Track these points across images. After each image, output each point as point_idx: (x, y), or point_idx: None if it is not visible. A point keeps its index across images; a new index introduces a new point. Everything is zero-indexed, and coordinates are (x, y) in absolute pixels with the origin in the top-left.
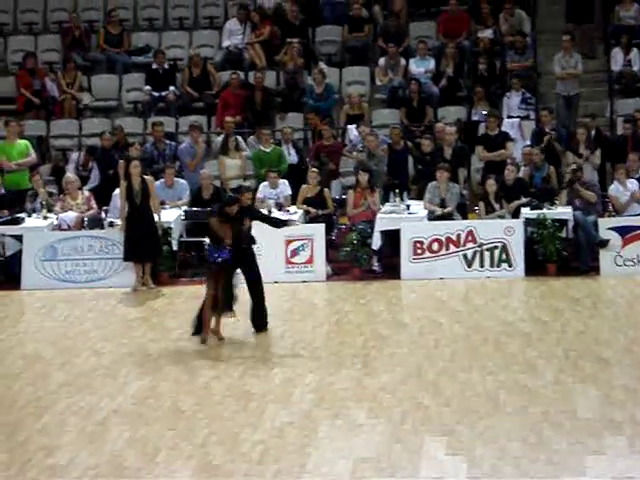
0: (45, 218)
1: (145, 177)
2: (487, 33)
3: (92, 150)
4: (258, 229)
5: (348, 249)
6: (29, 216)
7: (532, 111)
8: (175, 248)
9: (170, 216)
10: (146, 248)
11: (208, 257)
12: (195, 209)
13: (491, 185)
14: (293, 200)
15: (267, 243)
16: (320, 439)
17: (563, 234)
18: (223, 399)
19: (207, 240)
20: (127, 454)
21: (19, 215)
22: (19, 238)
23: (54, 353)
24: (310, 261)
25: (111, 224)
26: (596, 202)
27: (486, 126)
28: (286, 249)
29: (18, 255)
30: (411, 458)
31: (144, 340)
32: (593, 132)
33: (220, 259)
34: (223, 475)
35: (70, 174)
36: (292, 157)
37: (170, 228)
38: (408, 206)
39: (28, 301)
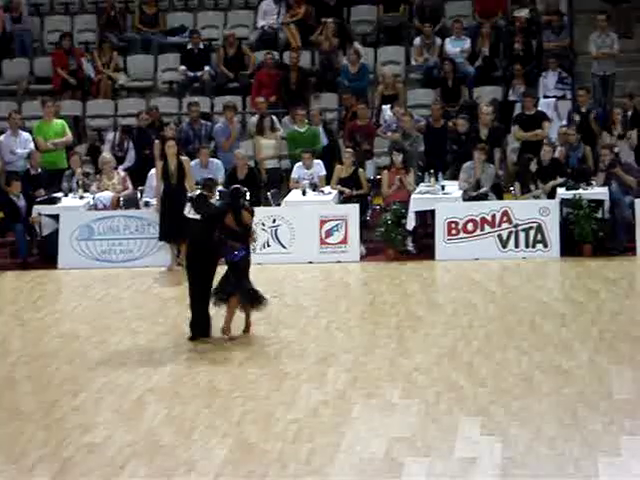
0: (81, 198)
1: (181, 157)
2: (523, 12)
3: (127, 130)
4: (292, 209)
5: (382, 229)
6: (65, 196)
7: (568, 91)
8: None
9: None
10: (181, 228)
11: (237, 255)
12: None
13: (533, 165)
14: (327, 180)
15: (301, 223)
16: (354, 418)
17: (599, 214)
18: (258, 378)
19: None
20: (163, 432)
21: (56, 195)
22: (56, 218)
23: (90, 332)
24: (344, 241)
25: (147, 204)
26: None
27: (523, 106)
28: (320, 229)
29: (55, 234)
30: (445, 438)
31: (179, 319)
32: (630, 112)
33: (244, 254)
34: (258, 453)
35: (106, 154)
36: (322, 139)
37: None
38: (443, 186)
39: (64, 280)
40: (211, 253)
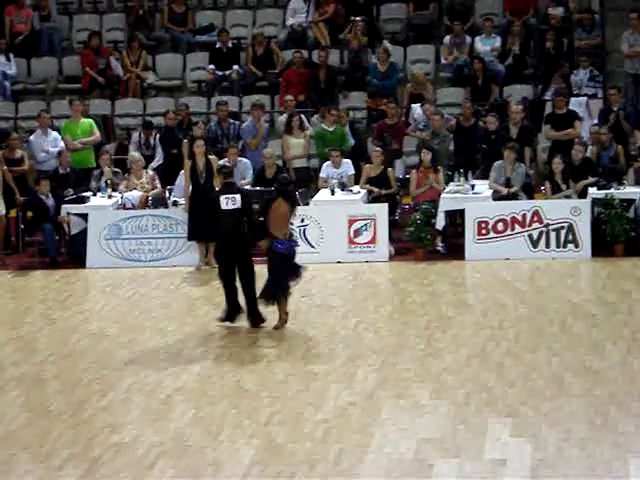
0: (110, 197)
1: (209, 156)
2: (559, 10)
3: (150, 126)
4: (320, 208)
5: (412, 229)
6: (94, 195)
7: (600, 89)
8: None
9: None
10: (210, 227)
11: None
12: (258, 188)
13: (557, 164)
14: (356, 180)
15: (330, 223)
16: (383, 419)
17: (631, 214)
18: (286, 378)
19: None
20: (191, 432)
21: (84, 194)
22: (84, 217)
23: (119, 331)
24: (373, 241)
25: (175, 203)
26: None
27: (554, 105)
28: (349, 229)
29: (83, 234)
30: (475, 439)
31: (207, 319)
32: None
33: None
34: (286, 454)
35: (135, 153)
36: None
37: None
38: (473, 186)
39: (93, 279)
40: (243, 245)
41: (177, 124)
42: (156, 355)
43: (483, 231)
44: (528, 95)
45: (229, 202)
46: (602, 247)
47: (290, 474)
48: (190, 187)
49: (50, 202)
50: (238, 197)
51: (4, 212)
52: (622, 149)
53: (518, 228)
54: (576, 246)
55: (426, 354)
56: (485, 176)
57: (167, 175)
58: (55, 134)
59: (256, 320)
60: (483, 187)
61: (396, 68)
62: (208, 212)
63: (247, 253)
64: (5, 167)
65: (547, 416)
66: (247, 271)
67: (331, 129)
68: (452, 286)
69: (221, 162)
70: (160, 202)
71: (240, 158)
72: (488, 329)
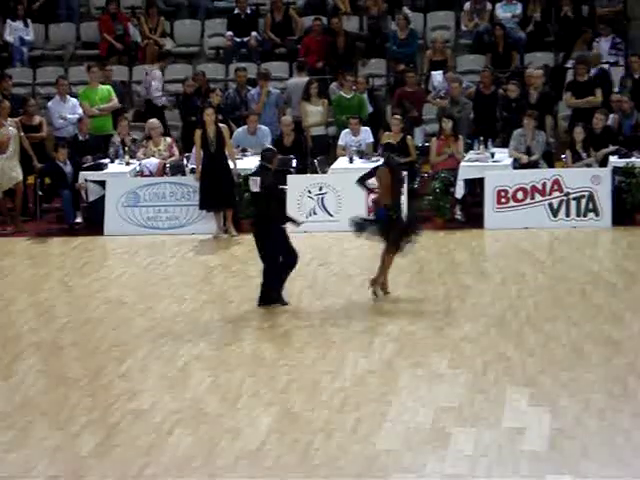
0: (127, 164)
1: (219, 125)
2: None
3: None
4: (339, 176)
5: (431, 198)
6: (112, 162)
7: (621, 57)
8: None
9: (251, 163)
10: (221, 196)
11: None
12: None
13: (579, 133)
14: (375, 148)
15: (348, 191)
16: (401, 388)
17: None
18: (304, 347)
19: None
20: (208, 400)
21: (102, 161)
22: (102, 184)
23: (136, 299)
24: None
25: (192, 171)
26: None
27: (575, 72)
28: (367, 199)
29: (101, 201)
30: (493, 408)
31: (225, 287)
32: None
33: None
34: (303, 422)
35: (153, 119)
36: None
37: None
38: (492, 154)
39: (110, 247)
40: (273, 224)
41: (195, 91)
42: (173, 323)
43: (503, 200)
44: (549, 62)
45: (253, 184)
46: (623, 216)
47: (307, 442)
48: (201, 156)
49: (68, 169)
50: (258, 180)
51: (22, 178)
52: None
53: (538, 197)
54: (596, 215)
55: (444, 323)
56: (505, 144)
57: (185, 142)
58: (74, 101)
59: (262, 299)
60: (503, 155)
61: (416, 35)
62: (219, 181)
63: (267, 234)
64: (23, 133)
65: (566, 385)
66: (266, 251)
67: (349, 96)
68: (471, 255)
69: (240, 130)
70: (178, 169)
71: (259, 125)
72: (507, 298)
